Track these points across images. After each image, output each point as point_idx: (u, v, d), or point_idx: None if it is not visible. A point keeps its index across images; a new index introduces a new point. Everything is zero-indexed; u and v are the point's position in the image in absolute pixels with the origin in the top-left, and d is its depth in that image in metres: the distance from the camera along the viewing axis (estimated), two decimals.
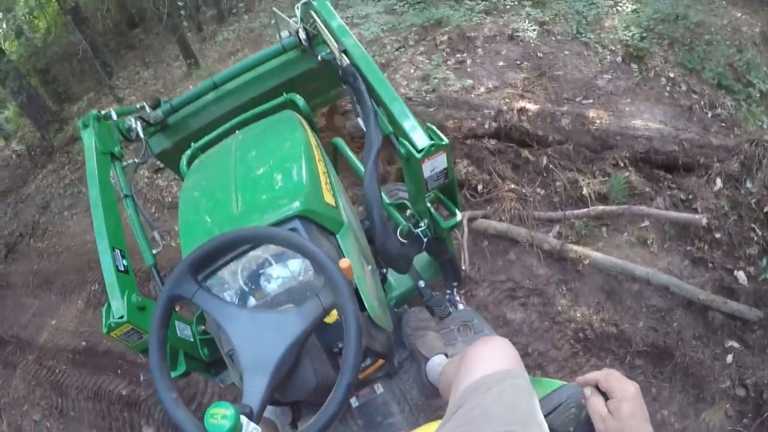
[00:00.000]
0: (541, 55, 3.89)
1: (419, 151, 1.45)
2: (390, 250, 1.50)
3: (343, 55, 1.74)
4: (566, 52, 3.93)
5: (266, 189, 1.40)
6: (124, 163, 1.93)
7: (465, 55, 3.98)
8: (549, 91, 3.55)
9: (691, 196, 2.73)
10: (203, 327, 1.68)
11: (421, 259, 1.90)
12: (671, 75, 3.63)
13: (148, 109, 2.13)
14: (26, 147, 7.09)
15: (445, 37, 4.07)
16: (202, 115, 2.19)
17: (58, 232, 5.16)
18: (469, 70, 3.79)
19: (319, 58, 1.94)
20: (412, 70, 3.82)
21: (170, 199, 4.41)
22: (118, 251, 1.55)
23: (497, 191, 2.89)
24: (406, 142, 1.49)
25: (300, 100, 2.12)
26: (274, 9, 2.25)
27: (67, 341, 3.83)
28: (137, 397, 3.02)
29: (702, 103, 3.44)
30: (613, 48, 3.89)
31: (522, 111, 3.13)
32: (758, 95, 3.63)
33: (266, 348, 0.92)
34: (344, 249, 1.32)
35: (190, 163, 1.94)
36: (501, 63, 3.90)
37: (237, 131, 1.88)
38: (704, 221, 2.45)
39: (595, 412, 0.84)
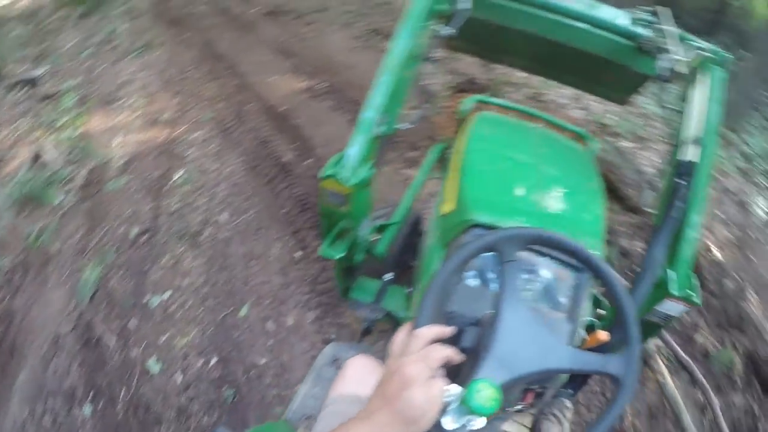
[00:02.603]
0: (751, 235, 3.81)
1: (675, 290, 1.38)
2: None
3: (693, 145, 1.47)
4: None
5: (568, 212, 1.43)
6: (434, 27, 1.71)
7: None
8: (734, 261, 3.50)
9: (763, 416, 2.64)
10: (374, 238, 1.72)
11: None
12: None
13: None
14: None
15: None
16: (518, 18, 1.83)
17: (319, 31, 5.79)
18: None
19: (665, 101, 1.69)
20: None
21: (425, 84, 4.82)
22: (384, 116, 1.46)
23: None
24: (671, 273, 1.40)
25: (596, 144, 2.16)
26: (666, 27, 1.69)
27: (270, 95, 4.39)
28: (290, 169, 3.45)
29: None
30: None
31: (707, 250, 3.29)
32: None
33: (526, 356, 0.85)
34: None
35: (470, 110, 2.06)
36: (719, 213, 3.86)
37: (533, 125, 1.96)
38: None
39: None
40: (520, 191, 1.45)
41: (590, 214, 1.47)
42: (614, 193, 3.52)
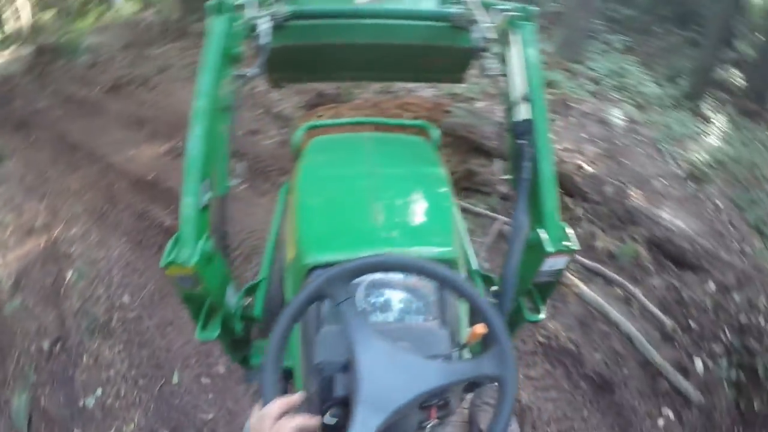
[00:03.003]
0: (618, 143, 4.37)
1: (551, 248, 1.38)
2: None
3: (523, 103, 1.47)
4: (641, 151, 4.39)
5: (413, 217, 1.41)
6: (238, 72, 1.54)
7: (557, 116, 4.56)
8: (609, 169, 4.01)
9: (684, 287, 3.09)
10: (247, 302, 1.67)
11: None
12: (719, 203, 4.08)
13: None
14: (162, 19, 7.91)
15: (549, 98, 4.59)
16: (329, 33, 1.81)
17: (166, 91, 5.86)
18: (554, 128, 4.36)
19: (487, 70, 1.62)
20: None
21: (278, 110, 5.02)
22: (207, 181, 1.35)
23: None
24: (540, 232, 1.41)
25: (435, 131, 2.13)
26: None
27: (135, 169, 4.43)
28: (174, 232, 3.49)
29: (734, 234, 3.83)
30: (682, 164, 4.38)
31: (579, 168, 3.63)
32: None
33: (394, 388, 0.83)
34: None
35: (304, 138, 2.03)
36: (583, 135, 4.40)
37: (368, 134, 1.94)
38: (669, 324, 2.84)
39: None
40: (359, 215, 1.40)
41: (436, 209, 1.46)
42: (479, 149, 3.86)
